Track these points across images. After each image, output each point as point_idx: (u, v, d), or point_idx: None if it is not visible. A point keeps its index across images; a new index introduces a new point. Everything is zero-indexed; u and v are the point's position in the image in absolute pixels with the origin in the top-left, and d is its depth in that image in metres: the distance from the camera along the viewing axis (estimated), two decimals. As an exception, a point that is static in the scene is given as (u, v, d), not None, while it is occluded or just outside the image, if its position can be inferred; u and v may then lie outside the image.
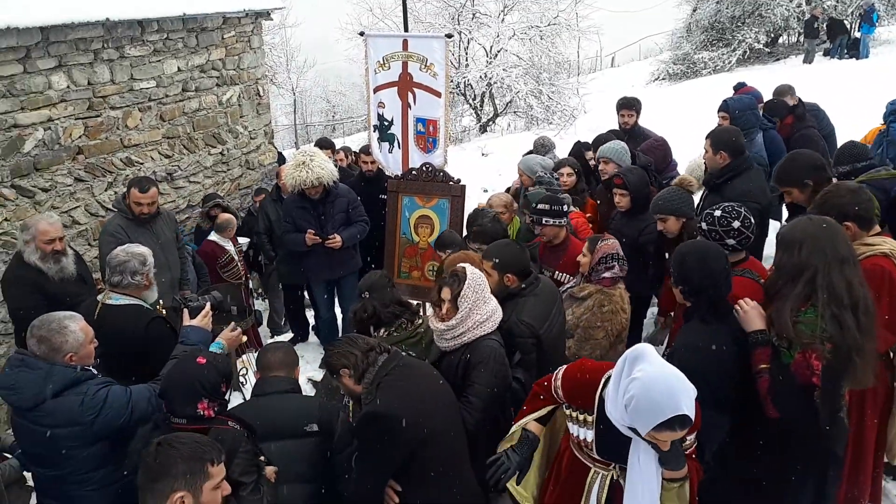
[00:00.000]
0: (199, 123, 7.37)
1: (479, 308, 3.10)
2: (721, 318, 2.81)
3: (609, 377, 2.49)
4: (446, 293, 3.13)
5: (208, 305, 3.56)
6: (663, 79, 23.21)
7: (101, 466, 3.01)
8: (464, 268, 3.18)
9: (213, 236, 6.30)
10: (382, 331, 3.55)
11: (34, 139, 5.56)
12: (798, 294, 2.62)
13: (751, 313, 2.76)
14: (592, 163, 6.01)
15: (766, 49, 22.98)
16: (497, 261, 3.50)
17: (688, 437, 2.44)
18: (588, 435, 2.57)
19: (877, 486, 3.32)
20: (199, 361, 2.74)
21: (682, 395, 2.23)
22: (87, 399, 2.92)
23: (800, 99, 6.42)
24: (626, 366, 2.36)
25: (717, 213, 3.26)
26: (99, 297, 3.72)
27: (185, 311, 3.51)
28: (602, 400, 2.48)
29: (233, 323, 5.44)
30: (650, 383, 2.24)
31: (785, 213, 5.23)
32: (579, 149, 6.47)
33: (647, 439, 2.34)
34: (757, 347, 2.70)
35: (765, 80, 9.93)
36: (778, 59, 22.11)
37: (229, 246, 6.30)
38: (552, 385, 2.75)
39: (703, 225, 3.27)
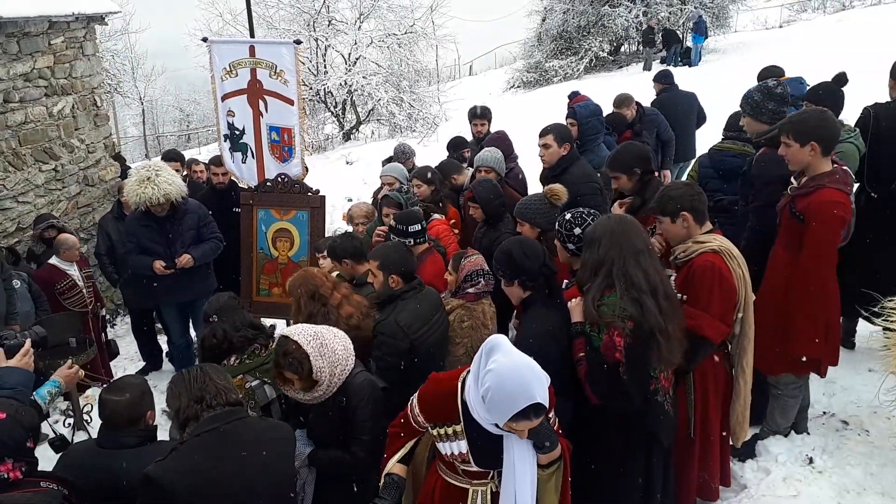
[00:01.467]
0: (26, 137, 6.67)
1: (335, 363, 2.89)
2: (559, 303, 3.07)
3: (465, 380, 2.48)
4: (291, 376, 2.89)
5: (28, 342, 3.16)
6: (518, 86, 24.10)
7: None
8: (293, 341, 2.87)
9: (53, 259, 5.70)
10: (234, 358, 3.32)
11: None
12: (599, 284, 2.86)
13: (574, 308, 3.01)
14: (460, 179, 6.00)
15: (610, 57, 24.47)
16: (382, 261, 3.51)
17: (550, 415, 2.49)
18: (461, 446, 2.49)
19: (726, 469, 3.53)
20: None
21: (534, 383, 2.25)
22: None
23: (639, 106, 6.83)
24: (483, 358, 2.37)
25: (568, 216, 3.44)
26: None
27: (1, 350, 3.10)
28: (465, 404, 2.45)
29: (70, 359, 5.00)
30: (504, 374, 2.25)
31: None
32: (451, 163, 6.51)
33: (506, 430, 2.35)
34: (575, 339, 2.94)
35: (608, 86, 10.53)
36: (621, 67, 23.63)
37: (72, 270, 5.72)
38: (409, 416, 2.66)
39: (576, 231, 3.42)
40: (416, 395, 2.66)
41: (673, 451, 3.18)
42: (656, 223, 3.45)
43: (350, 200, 9.89)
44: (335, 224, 8.83)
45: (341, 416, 2.95)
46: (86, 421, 5.05)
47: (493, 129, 6.67)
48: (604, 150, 5.49)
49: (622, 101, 6.76)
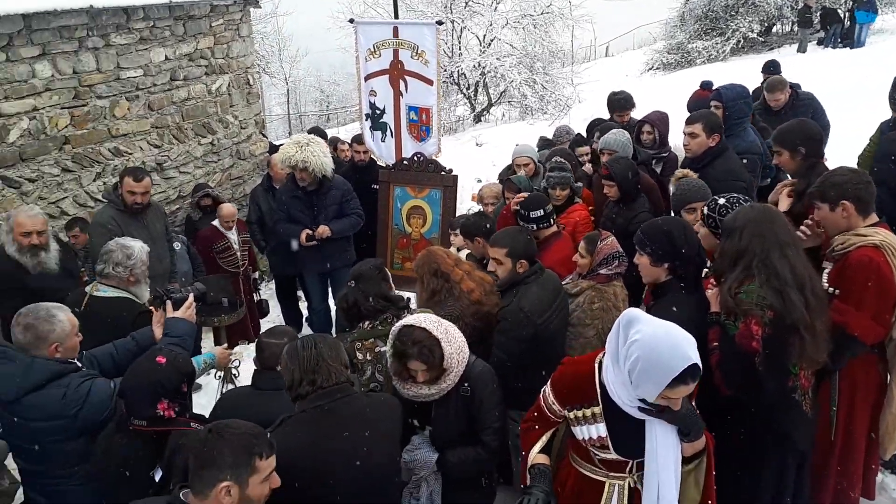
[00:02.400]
0: (188, 113, 7.26)
1: (459, 350, 2.82)
2: (697, 292, 2.97)
3: (601, 361, 2.39)
4: (418, 366, 2.76)
5: (191, 297, 3.50)
6: (657, 68, 23.12)
7: (86, 461, 2.93)
8: (420, 329, 2.78)
9: (215, 222, 6.23)
10: (368, 323, 3.48)
11: (19, 129, 5.46)
12: (737, 275, 2.73)
13: (713, 297, 2.89)
14: (585, 158, 5.92)
15: (760, 38, 22.88)
16: (511, 248, 3.50)
17: (692, 402, 2.39)
18: (601, 430, 2.37)
19: (870, 480, 3.28)
20: (158, 361, 2.66)
21: (686, 343, 2.15)
22: (69, 392, 2.86)
23: (794, 89, 6.37)
24: (621, 333, 2.27)
25: (722, 200, 3.26)
26: (87, 289, 3.66)
27: (169, 302, 3.45)
28: (603, 386, 2.34)
29: (223, 317, 5.45)
30: (652, 340, 2.15)
31: None
32: (577, 141, 6.39)
33: (659, 404, 2.21)
34: (710, 327, 2.82)
35: (757, 68, 9.85)
36: (771, 49, 22.02)
37: (230, 234, 6.20)
38: (543, 406, 2.60)
39: (705, 209, 3.28)
40: (548, 383, 2.59)
41: (810, 455, 2.99)
42: (814, 210, 3.22)
43: (479, 181, 9.97)
44: (464, 204, 8.96)
45: (466, 408, 2.87)
46: (234, 376, 5.51)
47: (633, 116, 6.47)
48: (750, 135, 5.18)
49: (775, 85, 6.32)
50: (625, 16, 31.03)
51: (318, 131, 7.47)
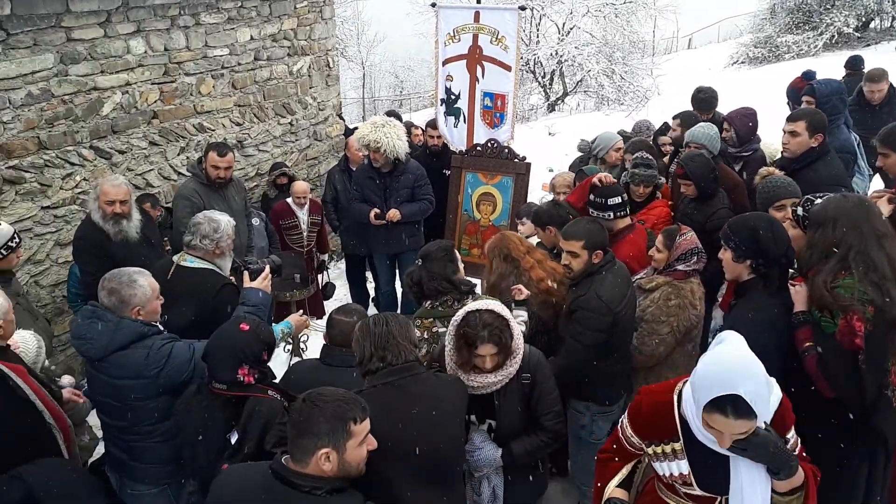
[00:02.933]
0: (269, 93, 7.45)
1: (519, 335, 2.89)
2: (782, 292, 2.86)
3: (681, 392, 2.25)
4: (489, 349, 2.73)
5: (267, 268, 3.62)
6: (742, 62, 22.24)
7: (165, 419, 3.10)
8: (489, 311, 2.75)
9: (289, 199, 6.41)
10: (429, 302, 3.50)
11: (112, 102, 5.72)
12: (832, 268, 2.61)
13: (798, 295, 2.79)
14: (668, 148, 5.78)
15: (857, 34, 21.68)
16: (587, 239, 3.44)
17: (788, 436, 2.22)
18: (682, 467, 2.25)
19: None
20: (242, 328, 2.76)
21: (741, 375, 1.99)
22: (152, 353, 3.00)
23: (892, 85, 6.03)
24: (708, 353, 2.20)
25: (818, 200, 3.10)
26: (174, 258, 3.82)
27: (246, 273, 3.57)
28: (684, 420, 2.21)
29: (294, 292, 5.60)
30: (714, 357, 2.09)
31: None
32: (661, 130, 6.23)
33: (739, 440, 2.06)
34: (799, 328, 2.71)
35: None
36: (868, 45, 20.83)
37: (301, 213, 6.35)
38: (621, 438, 2.48)
39: (799, 210, 3.15)
40: (625, 415, 2.48)
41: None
42: None
43: (551, 171, 9.85)
44: (534, 193, 8.88)
45: (525, 395, 2.87)
46: (301, 349, 5.67)
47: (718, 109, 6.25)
48: (844, 133, 4.94)
49: (876, 75, 5.98)
50: (710, 7, 29.95)
51: (394, 114, 7.53)
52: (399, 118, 7.49)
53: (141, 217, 4.68)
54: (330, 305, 7.13)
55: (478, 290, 3.93)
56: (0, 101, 4.91)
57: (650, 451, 2.33)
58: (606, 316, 3.33)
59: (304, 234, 6.35)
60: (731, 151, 5.25)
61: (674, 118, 5.80)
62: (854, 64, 8.09)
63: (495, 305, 2.82)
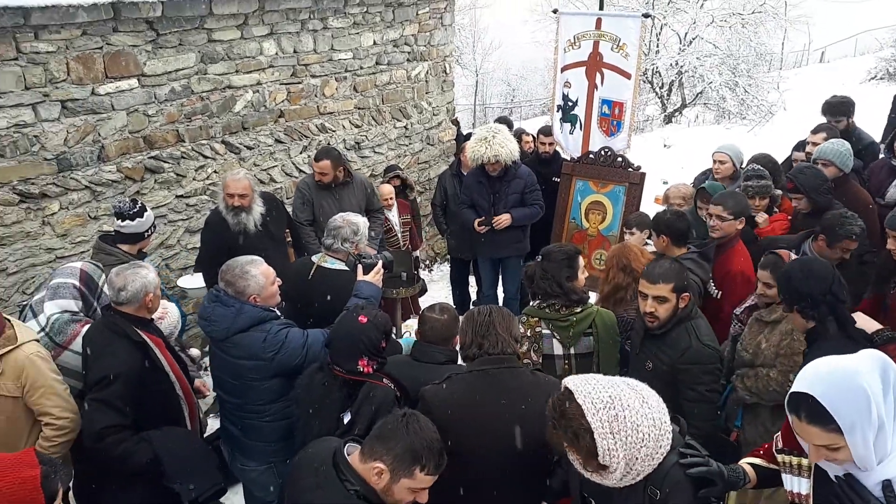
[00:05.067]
0: (388, 97, 7.67)
1: (635, 446, 2.02)
2: (851, 334, 2.68)
3: None
4: (569, 444, 2.12)
5: (380, 263, 3.73)
6: (881, 78, 20.69)
7: (276, 401, 3.27)
8: (576, 403, 2.06)
9: None
10: (538, 301, 3.48)
11: (244, 100, 6.08)
12: None
13: (866, 322, 2.75)
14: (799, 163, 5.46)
15: None
16: (676, 283, 3.06)
17: None
18: (803, 486, 2.08)
19: None
20: (360, 320, 2.84)
21: (823, 379, 1.84)
22: (269, 337, 3.16)
23: None
24: None
25: None
26: (315, 258, 4.01)
27: (360, 266, 3.69)
28: None
29: (400, 289, 5.73)
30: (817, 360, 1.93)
31: None
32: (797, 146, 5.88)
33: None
34: (887, 345, 2.58)
35: None
36: None
37: (391, 215, 6.39)
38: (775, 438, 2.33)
39: None
40: None
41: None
42: None
43: (665, 183, 9.56)
44: (646, 206, 8.64)
45: None
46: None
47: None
48: None
49: None
50: (846, 19, 28.07)
51: (505, 120, 7.54)
52: (510, 124, 7.50)
53: (264, 211, 4.92)
54: (423, 303, 7.25)
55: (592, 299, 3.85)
56: (147, 95, 5.33)
57: (780, 458, 2.21)
58: (717, 361, 3.09)
59: (399, 235, 6.43)
60: None
61: (813, 132, 5.44)
62: None
63: (592, 400, 2.07)
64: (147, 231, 4.32)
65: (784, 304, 2.86)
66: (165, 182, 5.62)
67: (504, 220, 5.65)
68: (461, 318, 2.77)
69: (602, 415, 2.01)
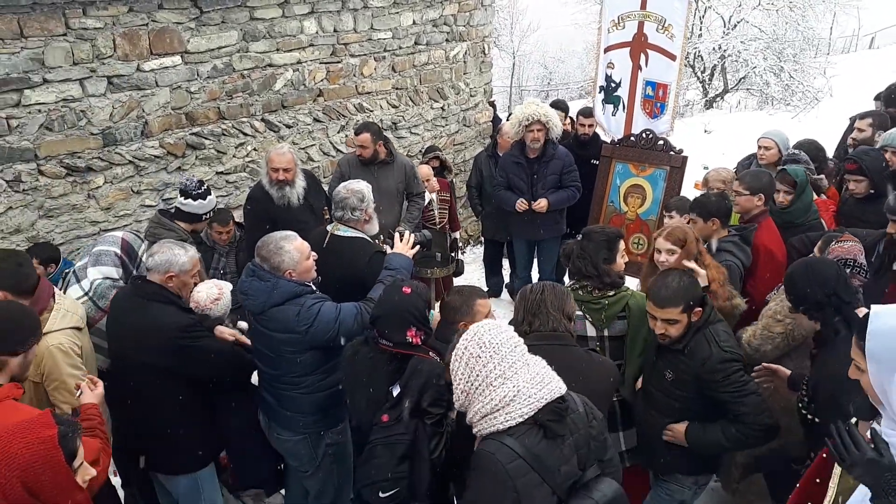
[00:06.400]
0: (425, 77, 7.65)
1: (481, 390, 2.10)
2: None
3: None
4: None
5: (408, 233, 3.75)
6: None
7: (311, 373, 3.32)
8: (462, 330, 2.31)
9: None
10: (572, 282, 3.46)
11: (284, 79, 6.12)
12: None
13: None
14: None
15: None
16: (685, 304, 2.90)
17: None
18: None
19: None
20: (404, 291, 2.87)
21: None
22: (302, 311, 3.20)
23: None
24: None
25: None
26: (329, 227, 4.04)
27: (396, 237, 3.71)
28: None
29: (435, 269, 5.73)
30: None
31: None
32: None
33: None
34: None
35: None
36: None
37: (428, 193, 6.37)
38: None
39: None
40: None
41: None
42: None
43: (706, 168, 9.38)
44: (686, 191, 8.49)
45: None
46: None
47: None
48: None
49: None
50: (901, 3, 27.06)
51: (560, 104, 7.40)
52: (566, 109, 7.35)
53: (306, 185, 4.96)
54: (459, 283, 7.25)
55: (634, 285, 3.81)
56: (190, 72, 5.40)
57: None
58: (742, 364, 2.98)
59: (436, 211, 6.35)
60: None
61: (861, 117, 5.28)
62: None
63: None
64: (205, 214, 4.43)
65: (792, 304, 2.86)
66: (206, 158, 5.70)
67: (542, 205, 5.61)
68: (518, 293, 2.83)
69: (471, 347, 2.12)
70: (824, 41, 22.61)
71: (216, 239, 5.10)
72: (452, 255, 6.56)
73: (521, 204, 5.64)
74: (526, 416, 2.04)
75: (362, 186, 4.00)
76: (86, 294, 3.49)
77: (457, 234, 6.86)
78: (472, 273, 7.69)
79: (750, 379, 2.93)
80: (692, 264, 3.41)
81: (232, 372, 3.47)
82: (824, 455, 2.11)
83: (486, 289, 7.19)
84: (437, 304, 6.27)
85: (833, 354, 2.57)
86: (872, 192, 4.26)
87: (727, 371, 2.87)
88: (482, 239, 7.59)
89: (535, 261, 6.33)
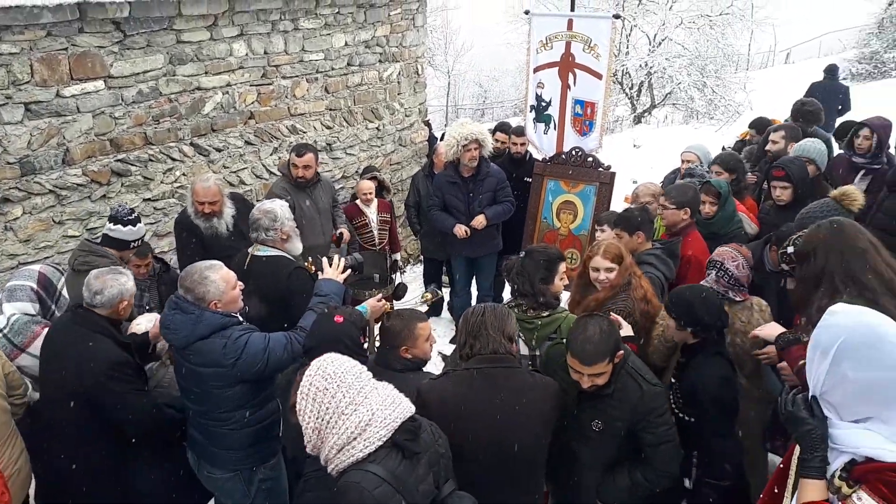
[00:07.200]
0: (359, 98, 7.64)
1: (333, 422, 2.07)
2: (721, 351, 3.11)
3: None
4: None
5: (337, 258, 3.65)
6: (844, 78, 21.14)
7: (240, 408, 3.20)
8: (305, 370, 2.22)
9: (357, 200, 6.42)
10: (512, 301, 3.48)
11: (213, 102, 6.01)
12: (822, 295, 2.61)
13: (769, 327, 3.06)
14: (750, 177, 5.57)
15: (974, 49, 20.28)
16: (610, 356, 2.78)
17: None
18: None
19: None
20: (337, 320, 2.82)
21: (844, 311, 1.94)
22: (229, 343, 3.09)
23: None
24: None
25: (790, 249, 3.24)
26: (249, 249, 3.98)
27: (325, 262, 3.65)
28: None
29: (380, 294, 5.69)
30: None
31: None
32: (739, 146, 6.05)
33: None
34: (789, 347, 2.77)
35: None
36: None
37: (369, 212, 6.26)
38: None
39: (790, 249, 3.19)
40: None
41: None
42: None
43: (635, 183, 9.66)
44: (616, 205, 8.71)
45: None
46: (376, 342, 5.75)
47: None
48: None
49: None
50: (811, 20, 28.68)
51: (503, 126, 7.41)
52: (506, 130, 7.36)
53: (235, 212, 4.87)
54: (402, 306, 7.20)
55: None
56: (114, 98, 5.24)
57: None
58: (667, 398, 3.04)
59: (375, 231, 6.25)
60: (860, 162, 5.02)
61: (775, 130, 5.58)
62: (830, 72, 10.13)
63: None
64: (134, 242, 4.32)
65: (677, 322, 3.09)
66: (133, 185, 5.52)
67: (480, 220, 5.67)
68: (461, 316, 2.84)
69: (315, 381, 2.11)
70: (743, 57, 23.70)
71: (134, 273, 4.92)
72: (393, 276, 6.54)
73: (459, 229, 5.68)
74: (384, 439, 2.04)
75: (275, 206, 3.96)
76: (0, 331, 3.32)
77: (398, 256, 6.84)
78: (414, 292, 7.67)
79: (673, 424, 2.93)
80: (616, 316, 3.38)
81: (146, 430, 3.29)
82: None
83: (426, 308, 7.19)
84: (378, 327, 6.29)
85: (708, 363, 3.01)
86: (794, 199, 4.47)
87: (661, 408, 2.86)
88: (422, 257, 7.59)
89: (475, 278, 6.38)
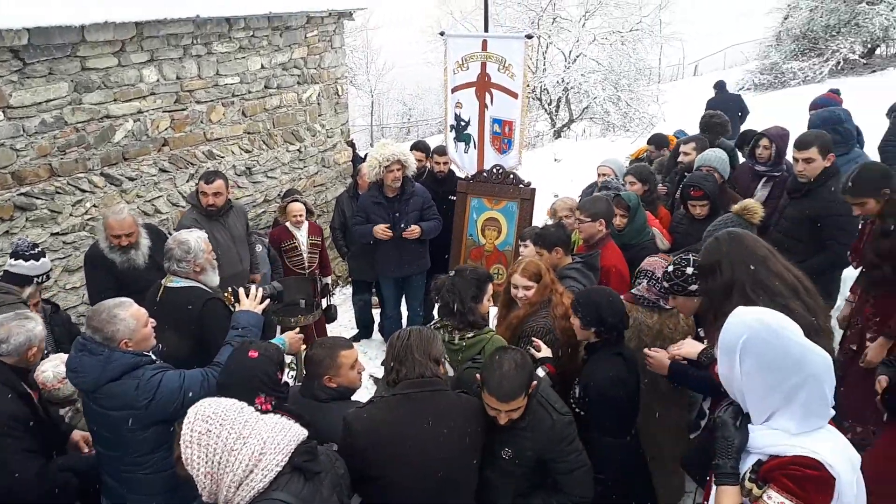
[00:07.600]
0: (279, 120, 7.54)
1: (225, 461, 1.99)
2: (621, 352, 3.23)
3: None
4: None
5: (254, 288, 3.56)
6: (748, 88, 22.35)
7: (156, 450, 3.05)
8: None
9: (287, 223, 6.31)
10: (440, 320, 3.49)
11: (124, 130, 5.80)
12: (735, 304, 2.52)
13: (689, 345, 3.23)
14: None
15: (862, 60, 21.78)
16: (525, 390, 2.75)
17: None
18: None
19: None
20: (251, 356, 2.71)
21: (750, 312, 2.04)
22: (142, 383, 2.95)
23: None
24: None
25: (671, 267, 3.34)
26: (162, 281, 3.84)
27: (242, 292, 3.54)
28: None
29: (300, 318, 5.59)
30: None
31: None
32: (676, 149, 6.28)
33: None
34: (712, 363, 2.90)
35: (858, 90, 9.42)
36: (874, 71, 20.92)
37: (300, 235, 6.20)
38: None
39: (689, 269, 3.22)
40: None
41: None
42: None
43: (556, 196, 9.88)
44: (539, 219, 8.90)
45: None
46: (292, 369, 5.64)
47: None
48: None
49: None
50: (715, 34, 30.23)
51: (420, 145, 7.42)
52: (425, 149, 7.39)
53: (150, 243, 4.69)
54: (333, 329, 7.10)
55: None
56: (14, 129, 4.99)
57: None
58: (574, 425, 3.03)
59: (305, 255, 6.17)
60: (762, 170, 5.28)
61: (685, 142, 5.83)
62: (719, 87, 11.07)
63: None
64: (38, 277, 4.12)
65: (583, 322, 3.21)
66: (39, 220, 5.26)
67: (415, 231, 5.67)
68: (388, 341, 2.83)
69: (196, 426, 2.01)
70: (655, 71, 24.72)
71: None
72: (324, 300, 6.43)
73: (381, 230, 5.63)
74: (282, 464, 2.00)
75: (191, 237, 3.83)
76: None
77: (328, 279, 6.75)
78: (343, 314, 7.57)
79: (582, 449, 2.93)
80: (538, 341, 3.46)
81: (32, 499, 3.05)
82: None
83: (356, 330, 7.12)
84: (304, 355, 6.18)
85: (605, 361, 3.16)
86: (710, 212, 4.67)
87: (570, 436, 2.85)
88: (350, 279, 7.52)
89: (404, 298, 6.36)
